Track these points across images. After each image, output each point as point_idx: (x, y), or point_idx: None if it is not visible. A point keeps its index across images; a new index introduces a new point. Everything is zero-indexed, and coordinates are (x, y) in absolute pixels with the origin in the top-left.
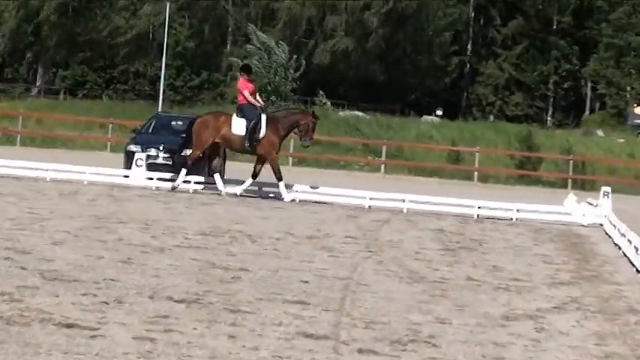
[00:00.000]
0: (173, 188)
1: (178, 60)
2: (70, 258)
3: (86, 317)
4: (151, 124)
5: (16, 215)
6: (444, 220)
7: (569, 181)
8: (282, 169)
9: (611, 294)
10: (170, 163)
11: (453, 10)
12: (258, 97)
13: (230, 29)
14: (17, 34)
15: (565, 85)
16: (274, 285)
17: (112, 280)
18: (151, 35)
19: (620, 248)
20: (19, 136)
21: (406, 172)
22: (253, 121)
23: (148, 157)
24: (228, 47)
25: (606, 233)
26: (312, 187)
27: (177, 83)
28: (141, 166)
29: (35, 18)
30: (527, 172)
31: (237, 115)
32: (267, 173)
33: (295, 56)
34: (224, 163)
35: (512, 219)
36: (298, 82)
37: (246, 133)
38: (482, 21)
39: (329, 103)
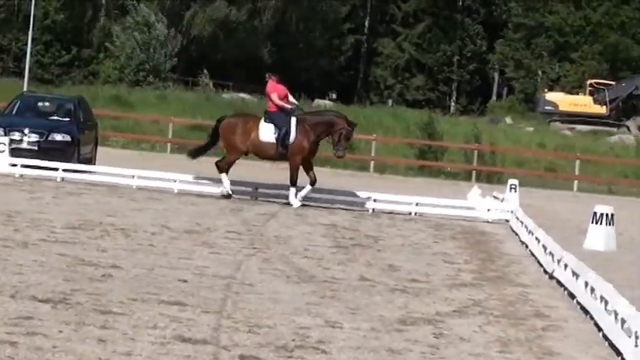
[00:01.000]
0: (227, 196)
1: (47, 34)
2: None
3: None
4: (15, 105)
5: None
6: (336, 214)
7: (474, 172)
8: (162, 155)
9: (517, 297)
10: (36, 148)
11: None
12: (291, 99)
13: (104, 1)
14: None
15: (471, 68)
16: (149, 284)
17: None
18: (16, 6)
19: (527, 247)
20: None
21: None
22: (284, 128)
23: (12, 141)
24: (102, 21)
25: (512, 230)
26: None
27: (45, 60)
28: (3, 151)
29: None
30: (428, 162)
31: (264, 121)
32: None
33: (172, 29)
34: (96, 150)
35: (410, 213)
36: (176, 60)
37: (278, 140)
38: None
39: (211, 84)
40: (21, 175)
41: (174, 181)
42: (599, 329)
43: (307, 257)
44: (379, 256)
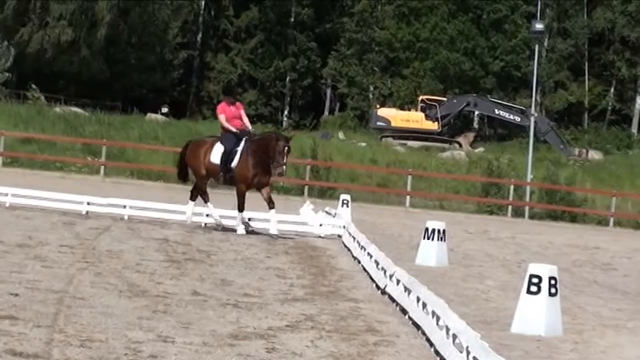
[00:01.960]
0: (218, 226)
1: None
2: None
3: None
4: None
5: None
6: (169, 228)
7: (307, 187)
8: None
9: (349, 312)
10: None
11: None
12: (245, 121)
13: None
14: None
15: (304, 83)
16: None
17: None
18: None
19: (359, 262)
20: None
21: (128, 175)
22: (228, 149)
23: None
24: None
25: (345, 245)
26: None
27: None
28: None
29: None
30: None
31: (220, 142)
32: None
33: (6, 43)
34: None
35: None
36: (9, 74)
37: (221, 162)
38: (212, 11)
39: (43, 97)
40: None
41: (6, 195)
42: (431, 344)
43: (139, 272)
44: (212, 271)
